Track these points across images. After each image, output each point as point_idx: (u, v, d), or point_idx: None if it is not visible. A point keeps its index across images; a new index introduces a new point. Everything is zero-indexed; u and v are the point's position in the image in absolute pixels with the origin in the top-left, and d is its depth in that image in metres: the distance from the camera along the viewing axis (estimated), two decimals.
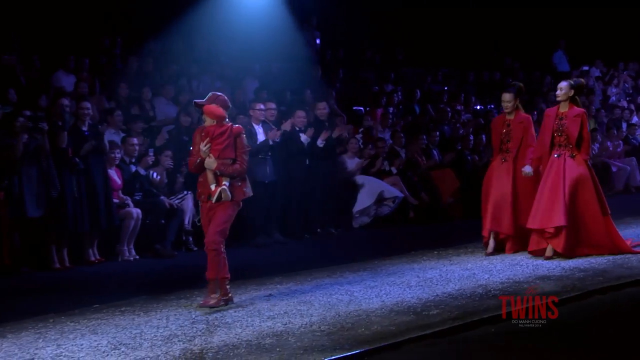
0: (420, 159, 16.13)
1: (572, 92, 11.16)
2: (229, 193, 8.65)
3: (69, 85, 14.32)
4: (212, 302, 8.65)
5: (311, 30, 19.89)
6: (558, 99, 11.28)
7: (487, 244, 11.70)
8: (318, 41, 20.01)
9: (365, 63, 20.43)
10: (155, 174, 12.64)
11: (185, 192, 12.65)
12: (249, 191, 8.97)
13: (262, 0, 17.94)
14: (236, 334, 7.61)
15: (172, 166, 12.81)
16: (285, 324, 7.90)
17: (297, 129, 13.84)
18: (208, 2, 16.99)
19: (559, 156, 11.12)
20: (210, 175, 8.70)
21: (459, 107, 19.49)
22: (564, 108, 11.22)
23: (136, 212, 12.00)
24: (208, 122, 8.80)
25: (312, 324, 7.88)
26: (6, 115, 11.52)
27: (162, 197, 12.38)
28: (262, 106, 13.51)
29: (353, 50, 20.61)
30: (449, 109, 18.73)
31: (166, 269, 11.41)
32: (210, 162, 8.65)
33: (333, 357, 6.87)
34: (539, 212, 11.04)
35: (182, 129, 13.70)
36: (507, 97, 11.73)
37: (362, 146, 15.63)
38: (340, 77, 19.01)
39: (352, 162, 15.05)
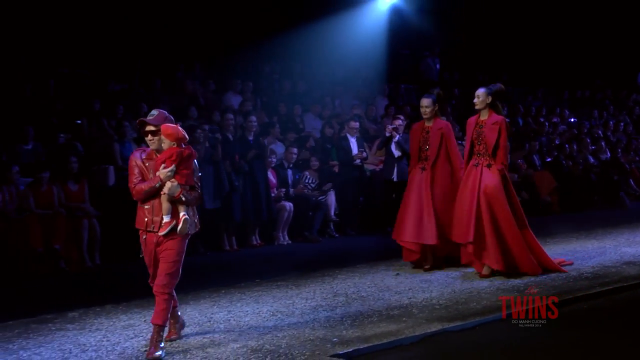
0: (522, 163, 15.92)
1: (491, 98, 9.02)
2: (187, 226, 6.23)
3: (236, 103, 14.59)
4: (158, 353, 6.07)
5: (433, 57, 19.76)
6: (476, 107, 9.10)
7: (408, 255, 9.54)
8: (438, 66, 19.85)
9: (477, 83, 20.16)
10: (308, 175, 12.76)
11: (330, 190, 12.71)
12: (198, 223, 6.53)
13: (392, 33, 17.90)
14: (369, 306, 7.60)
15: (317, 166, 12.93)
16: (410, 298, 7.85)
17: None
18: (346, 34, 17.05)
19: (476, 165, 8.95)
20: (165, 204, 6.16)
21: (555, 120, 19.14)
22: (483, 116, 9.03)
23: (289, 205, 12.14)
24: (166, 144, 6.17)
25: (432, 299, 7.82)
26: (189, 128, 11.83)
27: (309, 193, 12.51)
28: (356, 124, 13.50)
29: (466, 72, 20.37)
30: (547, 122, 18.50)
31: (313, 252, 11.48)
32: (174, 188, 6.10)
33: (450, 326, 6.80)
34: (456, 225, 9.01)
35: (326, 139, 13.84)
36: (425, 102, 9.47)
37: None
38: (456, 94, 18.82)
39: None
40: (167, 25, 15.30)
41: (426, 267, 9.34)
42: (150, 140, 6.24)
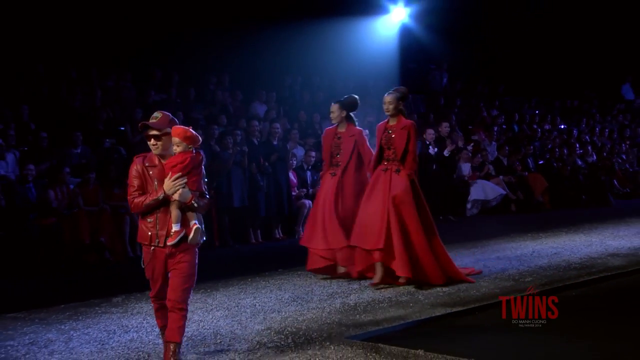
0: (517, 165, 15.87)
1: (401, 103, 8.02)
2: (199, 236, 5.19)
3: (261, 112, 14.61)
4: None
5: (441, 71, 19.70)
6: (387, 113, 8.00)
7: (314, 262, 8.38)
8: (445, 80, 19.81)
9: (477, 94, 20.10)
10: None
11: None
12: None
13: (403, 50, 17.85)
14: (380, 293, 7.59)
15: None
16: (416, 286, 7.83)
17: (427, 142, 13.77)
18: (359, 49, 17.03)
19: (385, 170, 7.91)
20: (175, 212, 5.12)
21: (547, 127, 19.07)
22: (392, 121, 7.99)
23: (308, 202, 12.12)
24: (181, 147, 5.13)
25: (436, 286, 7.79)
26: (220, 134, 11.85)
27: None
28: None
29: (468, 84, 20.30)
30: (539, 128, 18.44)
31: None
32: (185, 194, 5.10)
33: (453, 310, 6.79)
34: (365, 231, 7.82)
35: None
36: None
37: (470, 155, 15.40)
38: (457, 104, 18.77)
39: (465, 167, 14.86)
40: (202, 42, 15.36)
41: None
42: (153, 145, 5.14)
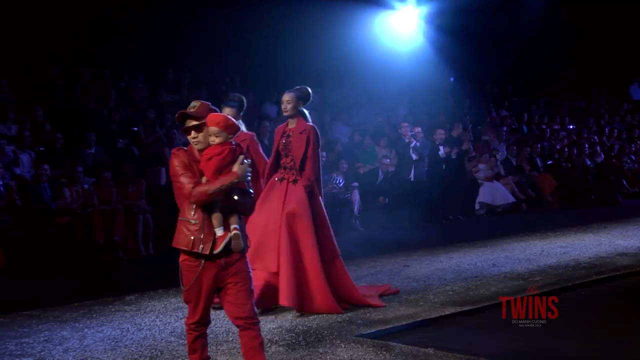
0: (526, 165, 15.82)
1: (302, 103, 6.96)
2: (242, 241, 4.38)
3: (273, 113, 14.62)
4: None
5: (448, 72, 19.66)
6: (285, 114, 6.97)
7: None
8: (452, 79, 19.74)
9: (486, 94, 20.04)
10: (339, 178, 12.73)
11: (355, 188, 12.68)
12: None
13: (412, 53, 17.81)
14: None
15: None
16: (426, 285, 7.82)
17: (437, 143, 13.74)
18: (370, 51, 17.00)
19: (281, 180, 6.85)
20: (217, 215, 4.34)
21: (556, 127, 19.01)
22: (292, 124, 6.94)
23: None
24: (221, 137, 4.33)
25: (446, 285, 7.78)
26: None
27: (337, 192, 12.48)
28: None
29: (478, 85, 20.24)
30: (548, 129, 18.38)
31: (340, 244, 11.38)
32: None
33: (463, 309, 6.77)
34: (260, 250, 6.67)
35: (354, 144, 13.89)
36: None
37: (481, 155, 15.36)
38: (468, 105, 18.72)
39: (483, 167, 14.78)
40: (213, 43, 15.39)
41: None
42: (194, 138, 4.38)
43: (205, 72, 15.19)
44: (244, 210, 4.47)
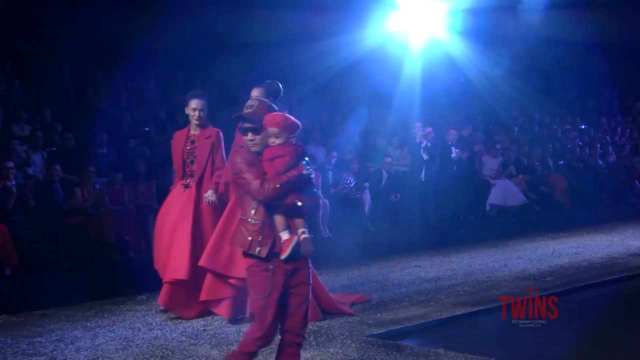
0: (538, 165, 15.76)
1: (272, 99, 6.44)
2: (312, 246, 4.19)
3: (283, 112, 14.61)
4: None
5: (459, 72, 19.60)
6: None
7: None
8: (462, 79, 19.67)
9: (498, 97, 19.99)
10: (350, 178, 12.71)
11: (366, 188, 12.65)
12: None
13: (413, 54, 17.76)
14: (401, 292, 7.58)
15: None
16: (437, 285, 7.82)
17: (450, 144, 13.72)
18: (382, 52, 16.97)
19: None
20: (280, 218, 4.11)
21: (567, 127, 18.93)
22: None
23: (323, 202, 11.98)
24: (282, 138, 4.14)
25: (456, 286, 7.77)
26: None
27: (348, 192, 12.45)
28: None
29: (490, 87, 20.17)
30: (559, 129, 18.32)
31: (351, 244, 11.26)
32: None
33: (474, 309, 6.76)
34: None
35: (364, 144, 13.91)
36: (199, 104, 6.72)
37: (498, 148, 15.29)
38: (479, 105, 18.67)
39: (489, 163, 14.71)
40: (224, 44, 15.41)
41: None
42: (250, 141, 4.13)
43: (216, 72, 15.22)
44: (310, 211, 4.23)
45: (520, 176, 15.10)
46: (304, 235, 4.12)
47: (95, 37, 13.77)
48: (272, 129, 4.14)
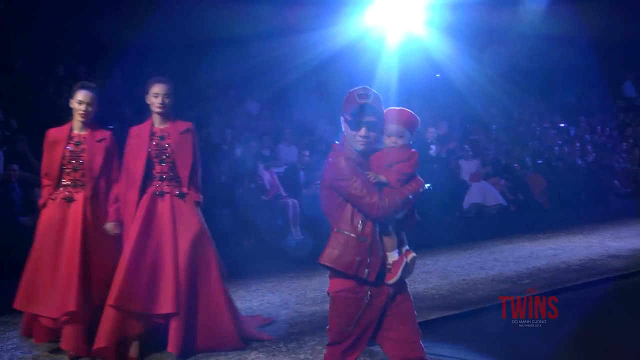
0: (517, 167, 15.86)
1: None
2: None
3: (255, 110, 14.59)
4: None
5: (435, 69, 19.68)
6: (159, 110, 5.64)
7: (25, 328, 5.91)
8: (439, 75, 19.77)
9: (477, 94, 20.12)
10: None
11: None
12: None
13: (390, 50, 17.79)
14: None
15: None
16: (411, 289, 7.76)
17: (429, 141, 13.76)
18: (353, 52, 16.98)
19: (160, 194, 5.55)
20: (392, 237, 3.66)
21: (546, 125, 19.07)
22: (162, 122, 5.68)
23: (292, 202, 11.94)
24: (403, 141, 3.68)
25: (432, 289, 7.78)
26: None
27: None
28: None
29: (468, 84, 20.27)
30: (538, 127, 18.46)
31: (324, 246, 11.35)
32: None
33: (449, 313, 6.76)
34: (135, 286, 5.36)
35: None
36: (85, 95, 5.78)
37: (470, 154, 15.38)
38: (456, 103, 18.77)
39: (467, 166, 14.79)
40: (192, 40, 15.33)
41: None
42: (364, 137, 3.59)
43: (184, 68, 15.12)
44: (411, 226, 3.77)
45: (498, 177, 15.19)
46: (411, 255, 3.70)
47: (56, 31, 13.62)
48: (396, 127, 3.66)
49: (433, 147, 13.73)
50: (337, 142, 3.72)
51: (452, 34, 17.69)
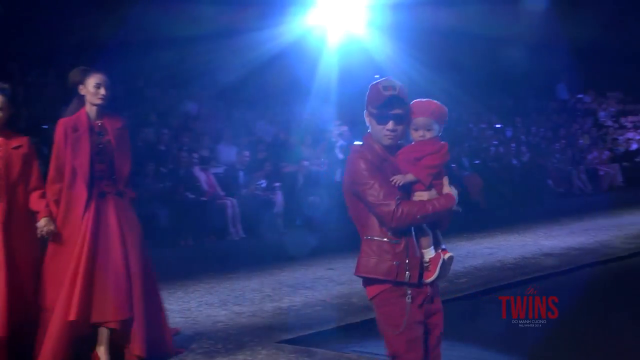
0: (455, 167, 16.06)
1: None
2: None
3: (193, 110, 14.48)
4: None
5: (375, 69, 19.80)
6: (98, 102, 5.25)
7: None
8: (377, 76, 19.91)
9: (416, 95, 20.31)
10: (259, 176, 12.65)
11: (278, 189, 12.60)
12: None
13: (331, 51, 17.85)
14: (313, 296, 7.58)
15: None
16: (350, 288, 7.82)
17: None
18: (294, 50, 16.99)
19: (102, 195, 5.17)
20: (428, 234, 3.46)
21: (482, 126, 19.38)
22: (98, 117, 5.28)
23: (231, 202, 11.91)
24: (431, 134, 3.49)
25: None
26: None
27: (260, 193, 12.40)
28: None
29: (408, 85, 20.44)
30: (474, 128, 18.75)
31: (263, 246, 11.28)
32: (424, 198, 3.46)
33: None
34: (92, 296, 5.06)
35: (278, 142, 13.90)
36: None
37: None
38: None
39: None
40: (130, 39, 15.11)
41: None
42: (390, 131, 3.42)
43: (123, 67, 14.91)
44: (446, 225, 3.55)
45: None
46: (448, 254, 3.47)
47: None
48: (424, 119, 3.47)
49: None
50: (356, 143, 3.52)
51: (393, 35, 17.86)
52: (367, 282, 3.47)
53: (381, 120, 3.40)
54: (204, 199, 11.61)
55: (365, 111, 3.49)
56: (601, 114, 23.28)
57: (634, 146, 20.85)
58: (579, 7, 20.31)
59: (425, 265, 3.42)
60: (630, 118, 23.14)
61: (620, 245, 10.38)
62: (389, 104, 3.36)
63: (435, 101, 3.52)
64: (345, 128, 13.76)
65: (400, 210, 3.29)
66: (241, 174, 12.61)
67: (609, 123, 22.61)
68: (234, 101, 15.88)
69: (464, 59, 20.95)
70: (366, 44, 18.11)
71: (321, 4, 17.46)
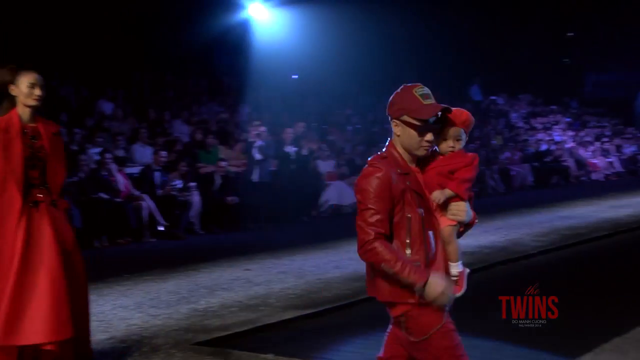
0: None
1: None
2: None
3: (108, 110, 14.21)
4: None
5: (291, 69, 19.91)
6: (33, 103, 4.86)
7: None
8: (295, 76, 20.02)
9: (330, 93, 20.47)
10: (175, 177, 12.49)
11: (195, 189, 12.48)
12: None
13: (250, 51, 17.86)
14: (230, 297, 7.54)
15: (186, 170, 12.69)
16: (268, 289, 7.85)
17: (286, 142, 13.89)
18: (214, 46, 16.89)
19: (35, 205, 4.80)
20: (454, 244, 3.32)
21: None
22: (31, 120, 4.91)
23: (146, 203, 11.75)
24: (460, 144, 3.32)
25: (287, 289, 7.85)
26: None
27: (176, 194, 12.24)
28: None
29: (325, 85, 20.60)
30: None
31: (179, 248, 11.19)
32: (468, 211, 3.36)
33: (304, 313, 6.85)
34: (23, 317, 4.63)
35: (195, 143, 13.74)
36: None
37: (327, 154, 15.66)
38: (311, 103, 19.03)
39: (323, 166, 15.02)
40: (43, 33, 14.72)
41: None
42: (427, 142, 3.23)
43: (34, 64, 14.51)
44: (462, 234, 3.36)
45: (354, 177, 15.54)
46: (467, 270, 3.36)
47: None
48: (455, 130, 3.29)
49: (291, 147, 13.90)
50: (378, 154, 3.30)
51: (311, 34, 17.96)
52: (392, 305, 3.26)
53: (422, 130, 3.19)
54: (118, 199, 11.40)
55: (394, 119, 3.27)
56: (513, 115, 23.99)
57: (544, 147, 21.56)
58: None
59: (453, 279, 3.28)
60: (539, 119, 23.94)
61: (530, 243, 10.69)
62: (433, 114, 3.16)
63: (465, 110, 3.35)
64: (263, 128, 13.74)
65: (373, 245, 3.14)
66: (157, 174, 12.42)
67: (520, 124, 23.33)
68: (149, 101, 15.67)
69: (378, 59, 21.22)
70: (283, 43, 18.18)
71: (241, 3, 17.46)
